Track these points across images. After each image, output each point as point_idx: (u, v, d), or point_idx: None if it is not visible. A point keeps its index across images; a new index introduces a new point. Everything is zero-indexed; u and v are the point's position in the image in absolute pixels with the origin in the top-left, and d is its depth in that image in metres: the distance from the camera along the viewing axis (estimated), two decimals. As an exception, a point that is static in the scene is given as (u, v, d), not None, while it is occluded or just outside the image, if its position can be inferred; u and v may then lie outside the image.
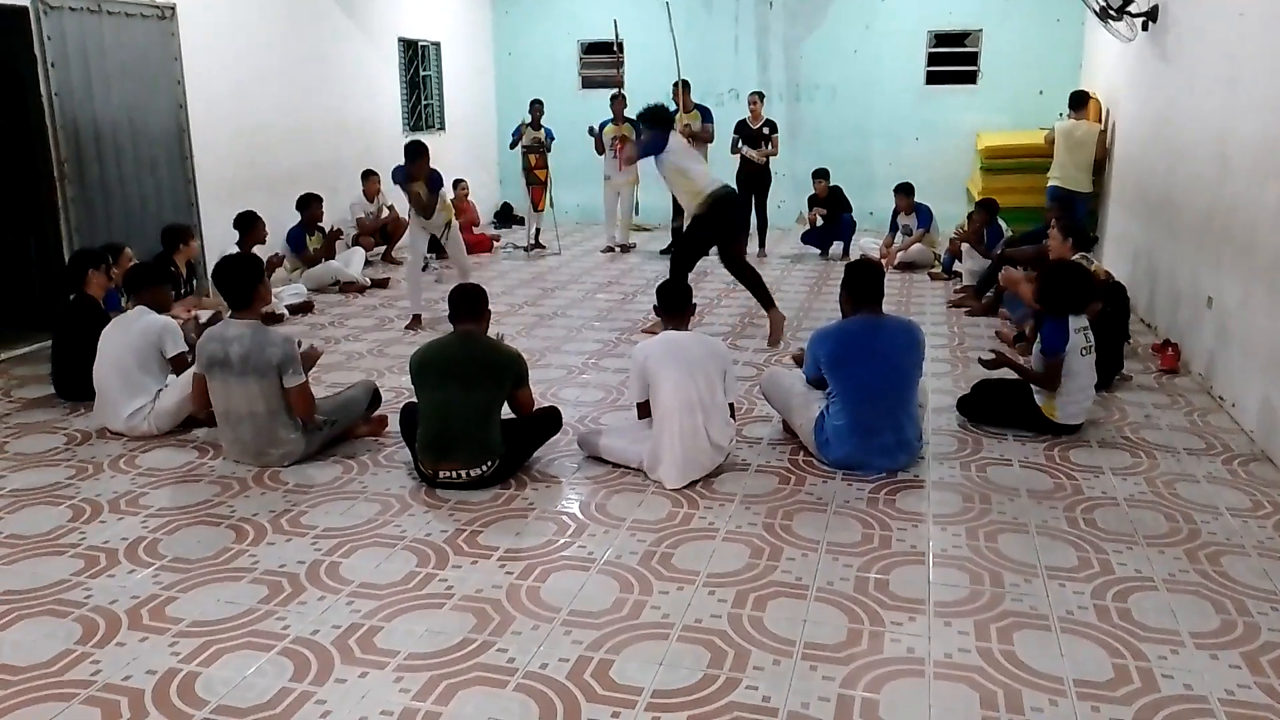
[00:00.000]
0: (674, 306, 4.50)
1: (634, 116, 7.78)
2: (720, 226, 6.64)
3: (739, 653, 2.94)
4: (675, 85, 10.01)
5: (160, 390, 4.85)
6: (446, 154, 11.83)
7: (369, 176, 9.84)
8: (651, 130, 6.64)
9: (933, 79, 11.96)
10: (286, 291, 7.84)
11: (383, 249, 10.04)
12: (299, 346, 4.49)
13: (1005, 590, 3.32)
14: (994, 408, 4.94)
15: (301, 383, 4.41)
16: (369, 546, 3.67)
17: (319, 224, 8.65)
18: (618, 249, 10.83)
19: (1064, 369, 4.67)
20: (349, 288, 8.55)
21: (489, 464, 4.13)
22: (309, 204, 8.52)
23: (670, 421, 4.14)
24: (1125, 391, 5.54)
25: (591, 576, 3.43)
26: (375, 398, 4.90)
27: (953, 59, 11.94)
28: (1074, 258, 5.64)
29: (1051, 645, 2.99)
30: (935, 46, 11.91)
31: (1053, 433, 4.80)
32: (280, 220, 8.36)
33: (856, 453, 4.27)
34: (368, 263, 9.38)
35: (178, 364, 4.89)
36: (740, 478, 4.32)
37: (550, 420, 4.54)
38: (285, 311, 7.48)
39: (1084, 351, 4.70)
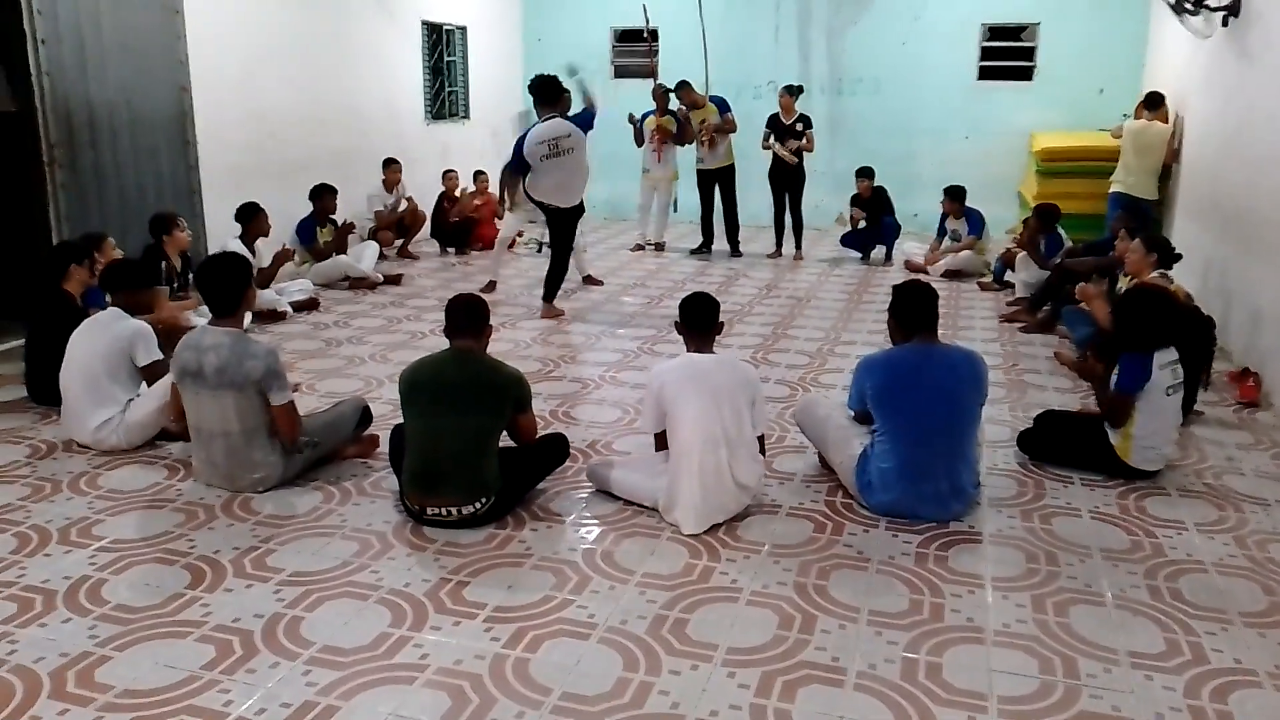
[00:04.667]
0: (698, 323, 3.90)
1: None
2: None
3: (761, 762, 2.43)
4: (680, 83, 9.63)
5: (130, 400, 4.41)
6: (471, 143, 11.41)
7: (390, 165, 9.36)
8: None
9: (985, 74, 11.30)
10: (291, 287, 7.40)
11: (400, 243, 9.59)
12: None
13: (1081, 683, 2.78)
14: (1060, 445, 4.37)
15: (288, 401, 3.95)
16: (338, 598, 3.20)
17: (331, 216, 8.20)
18: (649, 247, 10.30)
19: (1146, 409, 4.10)
20: (359, 284, 8.08)
21: (483, 501, 3.63)
22: (321, 195, 8.07)
23: (689, 459, 3.61)
24: (1202, 427, 4.95)
25: (590, 647, 2.93)
26: (365, 415, 4.42)
27: (1008, 54, 11.26)
28: (1153, 275, 5.04)
29: (1142, 763, 2.46)
30: (989, 40, 11.25)
31: (1125, 476, 4.23)
32: (291, 212, 7.93)
33: (904, 500, 3.72)
34: (383, 257, 8.92)
35: (149, 373, 4.44)
36: (769, 522, 3.79)
37: (555, 450, 4.03)
38: (289, 308, 7.05)
39: (1170, 391, 4.09)
